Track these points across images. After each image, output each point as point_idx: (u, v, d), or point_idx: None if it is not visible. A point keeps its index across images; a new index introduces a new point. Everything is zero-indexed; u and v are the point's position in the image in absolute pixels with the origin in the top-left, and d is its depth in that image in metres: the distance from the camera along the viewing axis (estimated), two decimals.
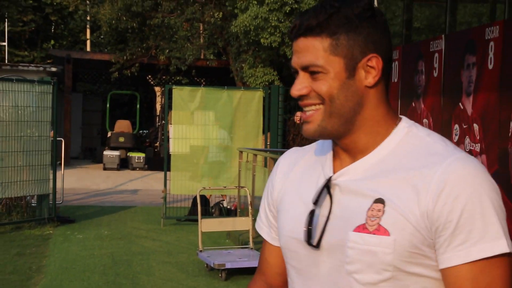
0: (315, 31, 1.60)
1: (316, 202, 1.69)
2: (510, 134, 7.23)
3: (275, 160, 11.08)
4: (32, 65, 26.30)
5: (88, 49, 33.65)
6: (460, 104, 8.19)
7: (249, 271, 8.57)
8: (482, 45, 7.77)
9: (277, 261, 1.90)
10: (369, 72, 1.63)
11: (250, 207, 9.97)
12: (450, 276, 1.56)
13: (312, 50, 1.61)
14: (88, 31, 34.66)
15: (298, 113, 15.76)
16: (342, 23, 1.60)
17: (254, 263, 8.62)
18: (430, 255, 1.57)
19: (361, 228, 1.59)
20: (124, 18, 25.48)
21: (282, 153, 9.31)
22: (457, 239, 1.53)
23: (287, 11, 20.00)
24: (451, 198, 1.53)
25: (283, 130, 14.66)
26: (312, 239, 1.68)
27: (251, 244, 9.47)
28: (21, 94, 11.89)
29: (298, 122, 15.63)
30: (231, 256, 8.90)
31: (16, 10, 22.93)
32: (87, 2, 33.73)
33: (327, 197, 1.68)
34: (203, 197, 11.11)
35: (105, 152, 24.16)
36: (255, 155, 11.12)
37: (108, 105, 26.53)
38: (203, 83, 27.26)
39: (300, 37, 1.63)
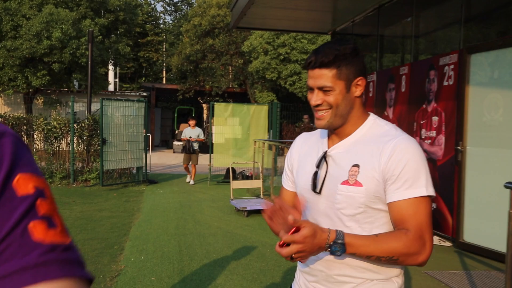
0: (326, 65, 1.61)
1: (318, 166, 1.72)
2: (414, 129, 7.17)
3: (276, 146, 11.11)
4: (132, 92, 26.47)
5: (164, 82, 33.76)
6: (385, 112, 8.11)
7: (260, 211, 8.55)
8: (398, 77, 7.70)
9: (288, 198, 1.90)
10: (357, 88, 1.65)
11: (261, 174, 9.94)
12: (391, 208, 1.58)
13: (324, 77, 1.62)
14: (164, 71, 34.76)
15: (306, 116, 15.71)
16: (342, 59, 1.61)
17: (263, 206, 8.61)
18: (384, 197, 1.59)
19: (346, 182, 1.62)
20: (185, 64, 25.65)
21: (279, 142, 9.23)
22: (396, 185, 1.55)
23: (281, 59, 20.02)
24: (396, 160, 1.56)
25: (280, 129, 14.68)
26: (316, 188, 1.70)
27: (261, 195, 9.46)
28: (127, 108, 11.94)
29: (306, 120, 15.65)
30: (249, 202, 8.86)
31: (123, 60, 23.08)
32: (164, 55, 33.94)
33: (324, 163, 1.71)
34: (233, 169, 11.08)
35: (174, 142, 24.20)
36: (264, 143, 11.13)
37: (175, 115, 26.64)
38: (231, 101, 27.28)
39: (316, 68, 1.63)
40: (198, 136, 12.68)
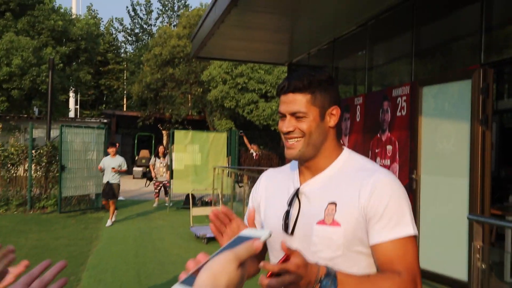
0: (300, 89, 1.45)
1: (290, 204, 1.50)
2: (369, 158, 7.10)
3: (235, 173, 10.90)
4: (93, 119, 25.86)
5: (125, 109, 33.18)
6: (341, 140, 8.05)
7: None
8: (353, 107, 7.67)
9: None
10: (332, 117, 1.48)
11: (220, 200, 9.70)
12: (377, 250, 1.38)
13: (298, 102, 1.45)
14: (125, 99, 34.22)
15: (255, 147, 15.15)
16: (317, 85, 1.45)
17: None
18: (365, 238, 1.39)
19: (322, 222, 1.41)
20: (146, 92, 25.39)
21: (238, 169, 9.02)
22: (380, 224, 1.36)
23: (239, 88, 19.99)
24: (378, 197, 1.38)
25: (238, 155, 14.50)
26: (288, 229, 1.48)
27: None
28: (87, 135, 11.55)
29: (254, 150, 15.03)
30: (209, 229, 8.49)
31: (84, 88, 22.59)
32: (125, 83, 33.47)
33: (297, 201, 1.49)
34: (192, 195, 10.78)
35: (134, 168, 23.59)
36: (223, 170, 10.91)
37: (135, 141, 26.13)
38: (190, 128, 27.04)
39: (289, 92, 1.46)
40: (120, 166, 10.26)
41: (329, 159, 1.50)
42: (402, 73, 7.13)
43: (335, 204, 1.41)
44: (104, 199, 10.12)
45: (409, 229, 1.37)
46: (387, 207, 1.36)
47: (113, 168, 10.07)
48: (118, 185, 10.22)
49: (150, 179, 13.50)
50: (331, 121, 1.48)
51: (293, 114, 1.45)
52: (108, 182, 10.06)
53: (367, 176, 1.41)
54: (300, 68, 1.62)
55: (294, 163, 1.60)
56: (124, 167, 10.33)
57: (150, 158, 24.30)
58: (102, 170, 10.21)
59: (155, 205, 12.91)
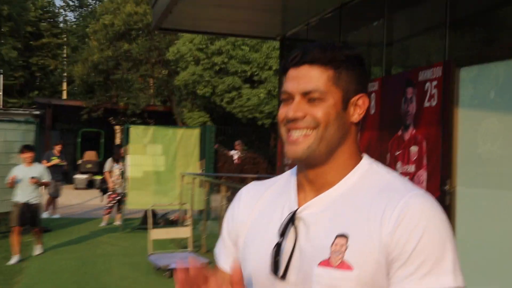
0: (321, 61, 1.37)
1: (282, 235, 1.40)
2: (387, 162, 7.04)
3: (210, 182, 10.84)
4: (21, 109, 25.67)
5: (65, 97, 33.04)
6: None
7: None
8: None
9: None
10: (356, 109, 1.41)
11: (189, 219, 9.66)
12: None
13: (316, 77, 1.37)
14: (64, 83, 34.08)
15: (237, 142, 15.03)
16: (344, 60, 1.38)
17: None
18: (386, 287, 1.30)
19: (326, 263, 1.31)
20: (93, 74, 25.51)
21: (214, 177, 8.91)
22: (406, 270, 1.26)
23: (217, 70, 20.01)
24: (406, 231, 1.28)
25: (215, 159, 14.49)
26: (278, 271, 1.38)
27: (190, 247, 9.13)
28: (10, 131, 11.55)
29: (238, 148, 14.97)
30: (174, 258, 8.50)
31: (9, 68, 22.38)
32: (64, 62, 33.29)
33: (292, 230, 1.39)
34: (153, 212, 10.68)
35: (75, 176, 23.59)
36: (194, 178, 10.89)
37: (79, 140, 25.96)
38: (153, 123, 26.99)
39: (304, 64, 1.37)
40: (40, 178, 9.37)
41: (342, 169, 1.41)
42: (432, 49, 7.10)
43: (346, 237, 1.31)
44: (19, 226, 9.11)
45: (448, 280, 1.26)
46: (418, 245, 1.27)
47: (33, 178, 9.15)
48: (41, 205, 9.92)
49: (106, 191, 13.30)
50: (355, 114, 1.41)
51: (305, 95, 1.37)
52: (27, 202, 9.23)
53: (394, 199, 1.31)
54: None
55: (290, 174, 1.50)
56: (46, 178, 9.56)
57: (97, 162, 24.33)
58: (14, 184, 9.22)
59: (103, 224, 12.87)
